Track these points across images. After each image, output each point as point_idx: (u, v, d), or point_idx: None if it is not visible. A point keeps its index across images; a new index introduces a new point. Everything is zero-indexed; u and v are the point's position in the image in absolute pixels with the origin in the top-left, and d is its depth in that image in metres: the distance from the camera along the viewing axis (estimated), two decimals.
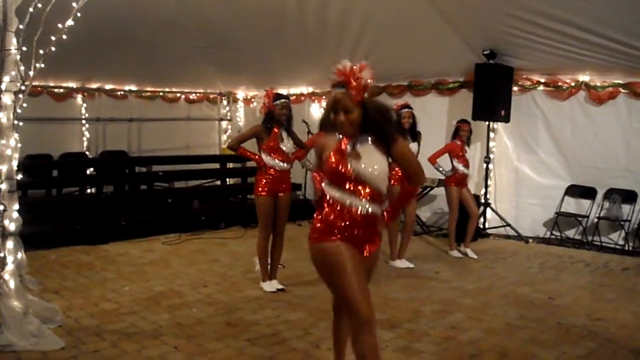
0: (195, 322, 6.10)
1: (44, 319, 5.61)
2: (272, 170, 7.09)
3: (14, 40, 5.34)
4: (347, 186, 3.86)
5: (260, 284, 7.27)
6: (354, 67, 3.91)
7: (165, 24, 11.21)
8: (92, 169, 13.76)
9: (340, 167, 3.85)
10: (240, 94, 16.15)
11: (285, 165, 7.19)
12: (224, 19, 11.33)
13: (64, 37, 5.63)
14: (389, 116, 3.96)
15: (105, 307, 6.50)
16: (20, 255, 5.56)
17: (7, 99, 5.35)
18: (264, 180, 7.10)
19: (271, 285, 7.22)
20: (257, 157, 7.15)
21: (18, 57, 5.39)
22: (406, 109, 8.49)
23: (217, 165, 15.14)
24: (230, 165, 15.26)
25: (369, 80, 3.87)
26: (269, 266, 7.30)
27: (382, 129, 3.87)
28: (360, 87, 3.84)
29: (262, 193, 7.09)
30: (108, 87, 14.19)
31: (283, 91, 14.16)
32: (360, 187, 3.85)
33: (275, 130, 7.06)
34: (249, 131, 7.45)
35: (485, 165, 11.00)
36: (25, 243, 5.69)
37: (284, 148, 7.11)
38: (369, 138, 3.90)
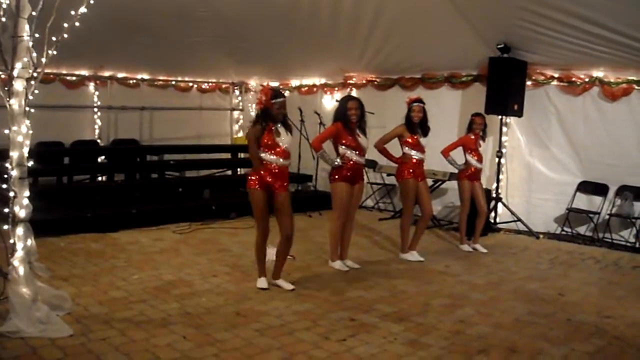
0: (204, 311, 6.11)
1: (52, 306, 5.63)
2: (271, 166, 6.75)
3: (27, 26, 5.34)
4: None
5: (257, 280, 7.08)
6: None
7: (179, 13, 11.18)
8: (103, 157, 13.78)
9: None
10: (253, 84, 16.13)
11: (284, 161, 6.83)
12: (238, 9, 11.29)
13: (77, 24, 5.62)
14: None
15: (115, 295, 6.52)
16: (30, 242, 5.56)
17: (19, 85, 5.35)
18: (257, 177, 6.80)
19: (263, 282, 7.01)
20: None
21: (30, 43, 5.39)
22: (416, 103, 8.46)
23: (228, 155, 15.21)
24: (242, 155, 15.25)
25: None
26: (276, 262, 7.15)
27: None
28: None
29: (257, 187, 6.78)
30: (120, 75, 14.20)
31: (295, 82, 14.30)
32: None
33: (271, 126, 6.72)
34: (251, 137, 6.83)
35: (497, 159, 10.95)
36: (35, 230, 5.69)
37: (281, 144, 6.75)
38: None
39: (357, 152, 7.78)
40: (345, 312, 6.21)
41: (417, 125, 8.45)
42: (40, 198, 6.79)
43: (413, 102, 8.48)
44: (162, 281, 7.13)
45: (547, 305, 6.71)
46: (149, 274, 7.42)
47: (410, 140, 8.47)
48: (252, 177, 6.82)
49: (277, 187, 6.78)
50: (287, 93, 14.55)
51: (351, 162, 7.75)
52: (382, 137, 8.58)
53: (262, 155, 6.75)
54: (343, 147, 7.77)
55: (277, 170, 6.77)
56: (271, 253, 7.28)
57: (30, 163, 5.57)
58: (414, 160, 8.48)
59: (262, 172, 6.76)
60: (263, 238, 6.97)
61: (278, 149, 6.73)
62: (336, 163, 7.74)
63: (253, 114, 15.68)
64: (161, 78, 14.96)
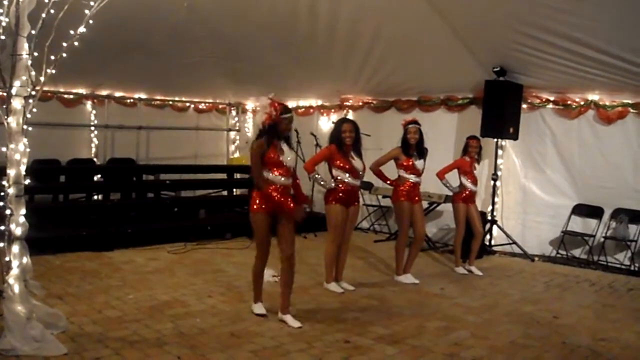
0: (199, 332, 6.09)
1: (47, 324, 5.61)
2: (274, 186, 6.38)
3: (26, 45, 5.35)
4: None
5: (253, 305, 6.84)
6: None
7: (176, 33, 11.24)
8: (99, 176, 13.78)
9: None
10: (250, 104, 16.19)
11: (286, 180, 6.47)
12: (236, 29, 11.36)
13: (76, 43, 5.65)
14: None
15: (109, 315, 6.50)
16: (25, 259, 5.55)
17: (17, 103, 5.36)
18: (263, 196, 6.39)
19: (260, 308, 6.79)
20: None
21: (29, 62, 5.41)
22: (412, 125, 8.50)
23: (224, 176, 15.19)
24: (238, 175, 15.27)
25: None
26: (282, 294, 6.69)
27: None
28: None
29: (261, 211, 6.41)
30: (118, 94, 14.25)
31: (292, 104, 14.35)
32: None
33: (276, 142, 6.40)
34: (257, 150, 6.40)
35: (492, 182, 10.98)
36: (31, 248, 5.68)
37: (285, 162, 6.41)
38: None
39: (351, 175, 7.78)
40: (339, 334, 6.19)
41: (413, 147, 8.48)
42: (36, 216, 6.78)
43: (409, 124, 8.52)
44: (156, 301, 7.11)
45: (542, 328, 6.70)
46: (144, 293, 7.40)
47: (405, 163, 8.49)
48: (257, 200, 6.42)
49: (283, 207, 6.40)
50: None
51: (345, 185, 7.77)
52: (377, 159, 8.61)
53: (264, 173, 6.36)
54: (337, 169, 7.79)
55: (280, 190, 6.39)
56: (267, 274, 7.26)
57: (27, 181, 5.57)
58: (409, 183, 8.50)
59: (266, 192, 6.33)
60: (262, 263, 6.64)
61: (282, 168, 6.38)
62: (330, 185, 7.75)
63: (249, 134, 16.02)
64: (158, 98, 15.00)
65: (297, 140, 11.81)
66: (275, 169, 6.37)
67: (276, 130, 6.37)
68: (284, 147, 6.45)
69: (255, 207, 6.43)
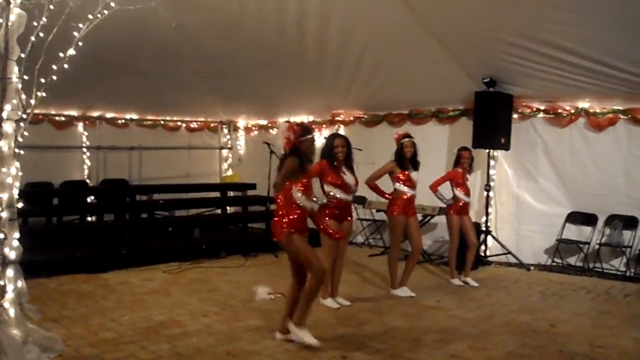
0: (195, 351, 6.06)
1: (43, 347, 5.59)
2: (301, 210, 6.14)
3: (16, 68, 5.37)
4: None
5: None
6: None
7: (166, 53, 11.28)
8: (92, 197, 13.76)
9: None
10: (241, 122, 16.23)
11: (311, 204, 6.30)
12: (225, 48, 11.39)
13: (66, 66, 5.66)
14: None
15: (105, 337, 6.46)
16: (20, 283, 5.54)
17: (9, 127, 5.36)
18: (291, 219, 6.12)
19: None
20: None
21: (20, 85, 5.41)
22: (407, 139, 8.52)
23: (217, 194, 15.16)
24: (231, 193, 15.28)
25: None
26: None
27: None
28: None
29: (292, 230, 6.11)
30: (109, 115, 14.28)
31: (283, 120, 14.35)
32: None
33: (305, 166, 6.23)
34: (292, 167, 6.11)
35: (485, 193, 11.00)
36: (25, 271, 5.67)
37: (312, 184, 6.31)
38: None
39: (343, 190, 7.77)
40: (337, 350, 6.16)
41: (408, 160, 8.49)
42: (30, 239, 6.77)
43: (403, 138, 8.54)
44: (152, 322, 7.08)
45: (539, 337, 6.69)
46: (140, 314, 7.37)
47: (401, 176, 8.50)
48: (285, 223, 6.10)
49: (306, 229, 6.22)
50: (275, 131, 14.67)
51: (337, 200, 7.75)
52: (372, 173, 8.60)
53: (296, 196, 6.09)
54: (328, 185, 7.78)
55: (305, 214, 6.18)
56: (262, 292, 7.24)
57: (20, 204, 5.57)
58: (405, 197, 8.50)
59: (293, 216, 6.08)
60: (321, 282, 6.32)
61: (310, 192, 6.25)
62: (322, 202, 7.73)
63: (242, 152, 16.05)
64: (150, 118, 15.04)
65: (270, 151, 11.68)
66: (305, 192, 6.15)
67: (298, 153, 6.14)
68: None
69: (285, 229, 6.09)
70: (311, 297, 6.18)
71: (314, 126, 13.81)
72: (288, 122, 6.18)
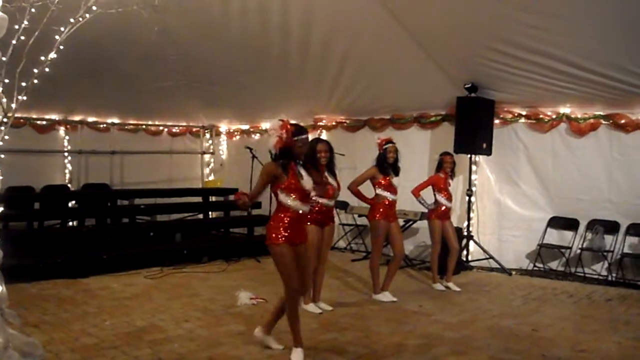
0: (177, 357, 6.03)
1: (24, 353, 5.53)
2: (291, 212, 5.92)
3: None
4: None
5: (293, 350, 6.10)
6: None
7: (148, 58, 11.24)
8: (74, 202, 13.71)
9: None
10: (223, 127, 16.19)
11: (306, 206, 6.08)
12: (207, 52, 11.38)
13: (47, 69, 5.62)
14: None
15: (86, 342, 6.42)
16: (0, 288, 5.49)
17: None
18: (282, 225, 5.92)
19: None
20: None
21: (0, 89, 5.36)
22: (390, 144, 8.53)
23: (199, 199, 15.09)
24: (213, 198, 15.22)
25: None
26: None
27: None
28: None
29: (281, 240, 5.88)
30: (91, 119, 14.22)
31: (265, 124, 14.33)
32: None
33: (294, 166, 5.94)
34: (269, 171, 5.90)
35: (467, 198, 11.03)
36: (6, 276, 5.61)
37: (304, 187, 5.97)
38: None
39: (325, 195, 7.77)
40: (319, 355, 6.16)
41: (389, 166, 8.51)
42: (11, 243, 6.70)
43: (387, 143, 8.54)
44: (134, 327, 7.03)
45: (522, 342, 6.71)
46: (121, 319, 7.32)
47: (382, 181, 8.50)
48: (277, 229, 5.90)
49: (300, 236, 6.06)
50: (257, 136, 14.66)
51: (319, 205, 7.74)
52: (355, 179, 8.60)
53: (283, 198, 5.87)
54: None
55: (299, 216, 5.99)
56: (244, 297, 7.21)
57: (1, 208, 5.52)
58: (387, 202, 8.51)
59: (285, 220, 5.89)
60: (297, 301, 6.14)
61: (301, 194, 5.93)
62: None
63: (224, 157, 16.00)
64: (131, 122, 14.99)
65: (252, 156, 11.69)
66: (293, 194, 5.87)
67: (290, 154, 5.88)
68: (302, 171, 5.98)
69: (273, 237, 5.90)
70: (291, 317, 6.02)
71: None
72: (281, 120, 5.88)
